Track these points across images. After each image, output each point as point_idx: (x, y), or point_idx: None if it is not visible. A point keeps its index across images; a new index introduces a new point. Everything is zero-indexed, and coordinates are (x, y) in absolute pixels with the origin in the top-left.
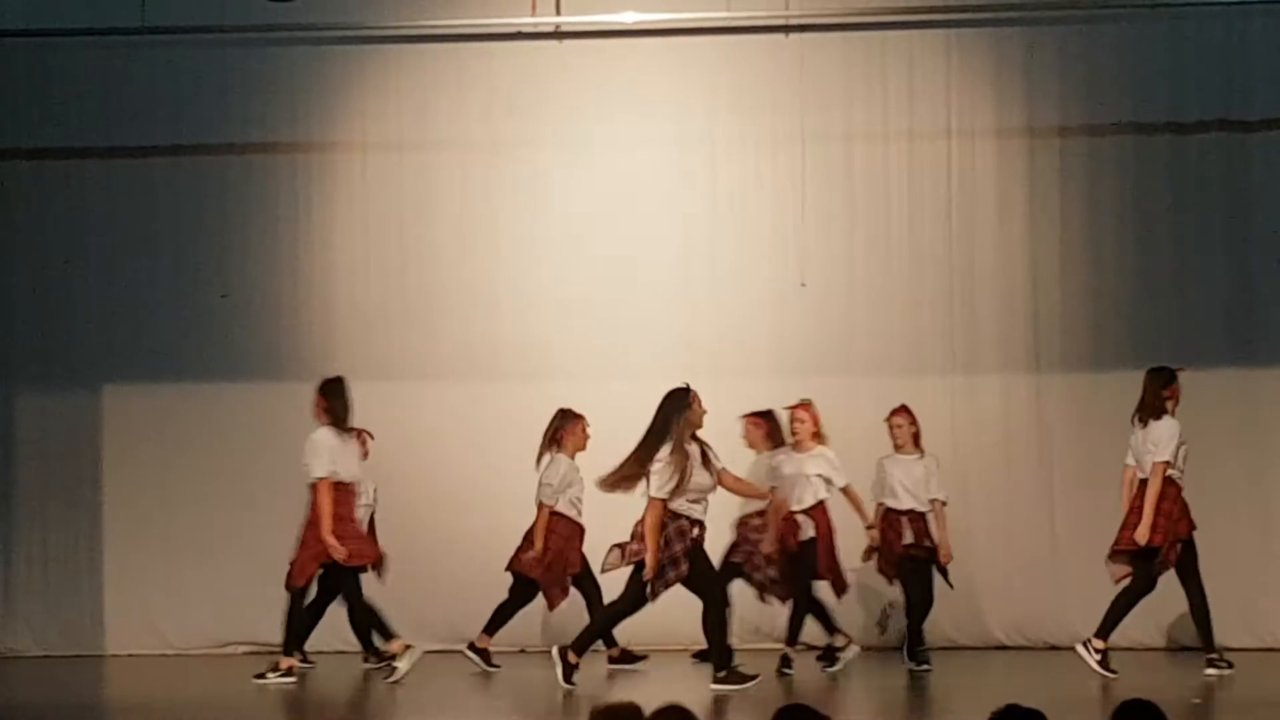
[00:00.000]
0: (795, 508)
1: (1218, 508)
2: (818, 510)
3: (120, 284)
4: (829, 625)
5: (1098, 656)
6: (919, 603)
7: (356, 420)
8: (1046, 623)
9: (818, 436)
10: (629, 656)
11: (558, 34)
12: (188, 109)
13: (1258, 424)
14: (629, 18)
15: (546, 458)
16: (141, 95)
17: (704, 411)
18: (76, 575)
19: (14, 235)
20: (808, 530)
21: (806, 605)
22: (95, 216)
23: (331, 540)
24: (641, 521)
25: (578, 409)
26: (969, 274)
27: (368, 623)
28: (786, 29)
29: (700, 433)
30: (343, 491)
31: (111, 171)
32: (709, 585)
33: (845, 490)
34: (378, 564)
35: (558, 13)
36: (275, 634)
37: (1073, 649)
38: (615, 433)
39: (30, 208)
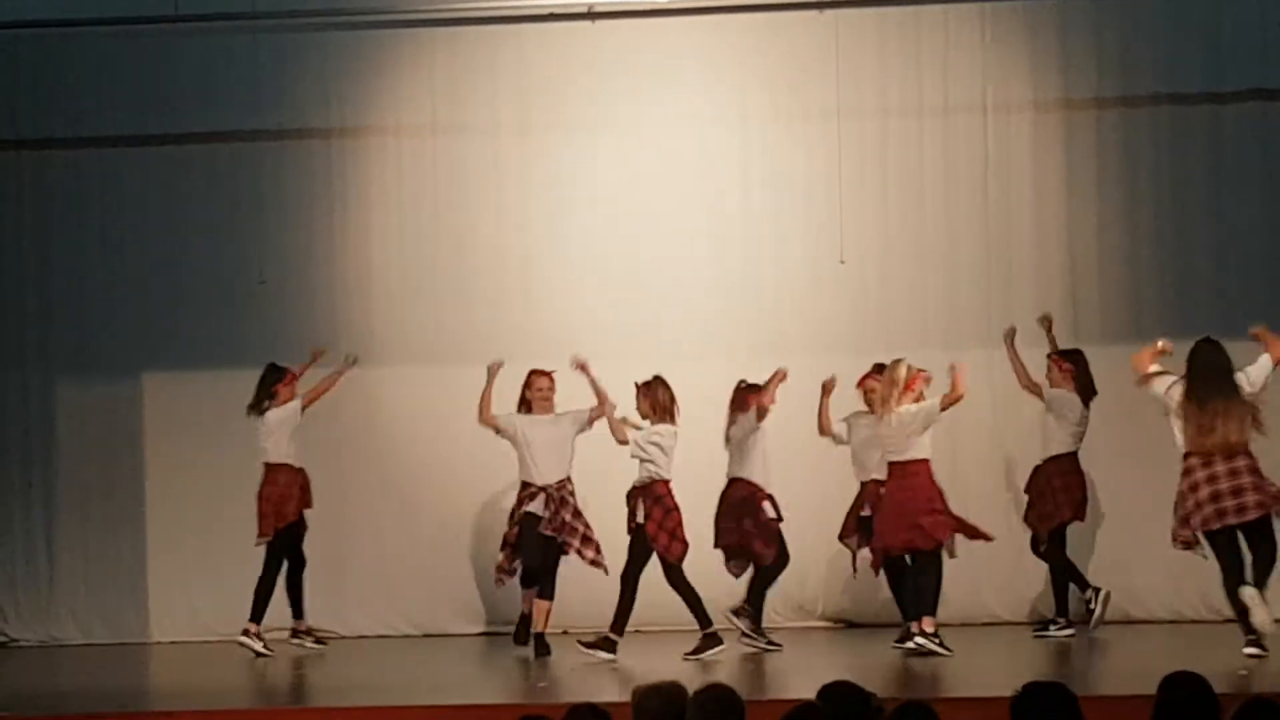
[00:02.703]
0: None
1: None
2: None
3: (157, 272)
4: None
5: None
6: None
7: (396, 405)
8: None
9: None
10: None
11: (590, 14)
12: (221, 96)
13: None
14: None
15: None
16: (175, 83)
17: None
18: (119, 564)
19: (51, 225)
20: None
21: None
22: (131, 205)
23: None
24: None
25: (615, 390)
26: (1006, 248)
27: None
28: (820, 5)
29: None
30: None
31: (147, 160)
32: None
33: None
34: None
35: None
36: (315, 618)
37: (1116, 622)
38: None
39: (66, 198)
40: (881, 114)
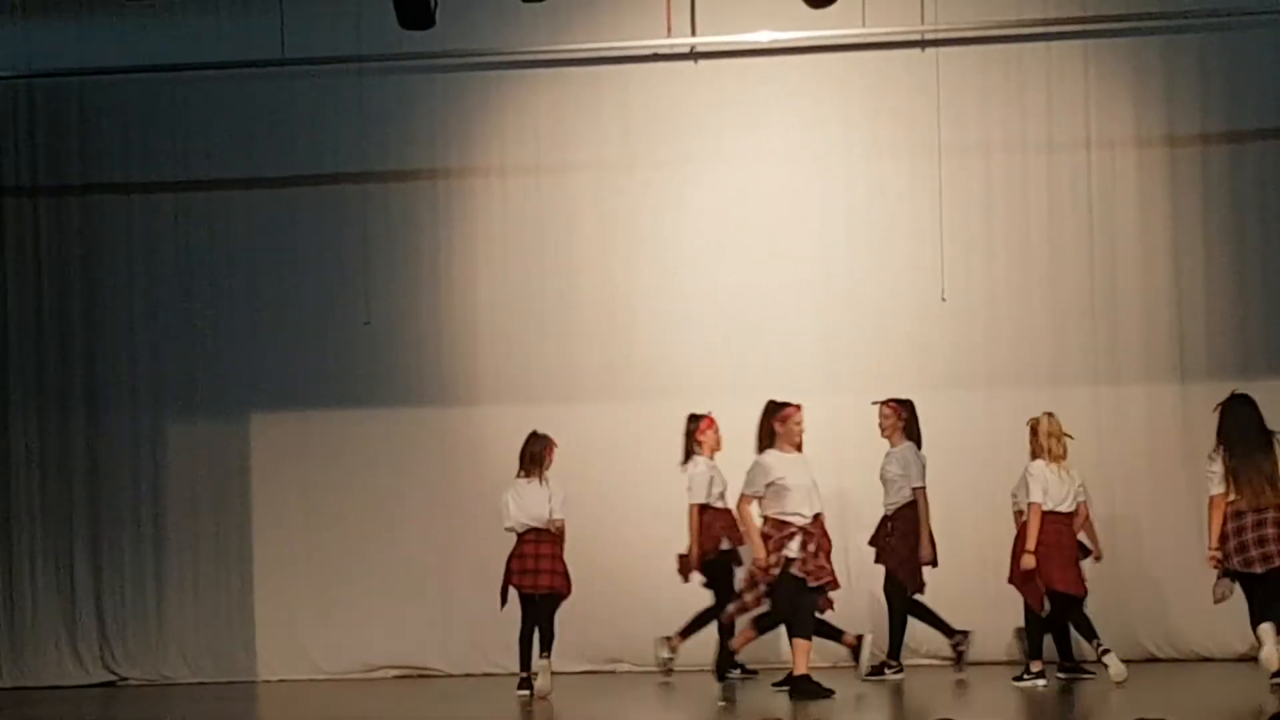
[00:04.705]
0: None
1: None
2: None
3: (265, 313)
4: None
5: None
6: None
7: (503, 444)
8: (1196, 634)
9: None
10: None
11: (693, 55)
12: (328, 138)
13: None
14: (764, 37)
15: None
16: (282, 126)
17: None
18: (227, 602)
19: (161, 268)
20: None
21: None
22: (240, 247)
23: None
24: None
25: (719, 424)
26: (1111, 284)
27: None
28: (923, 44)
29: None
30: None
31: (254, 202)
32: None
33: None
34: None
35: (693, 34)
36: (423, 657)
37: (1223, 660)
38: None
39: (176, 240)
40: (984, 150)
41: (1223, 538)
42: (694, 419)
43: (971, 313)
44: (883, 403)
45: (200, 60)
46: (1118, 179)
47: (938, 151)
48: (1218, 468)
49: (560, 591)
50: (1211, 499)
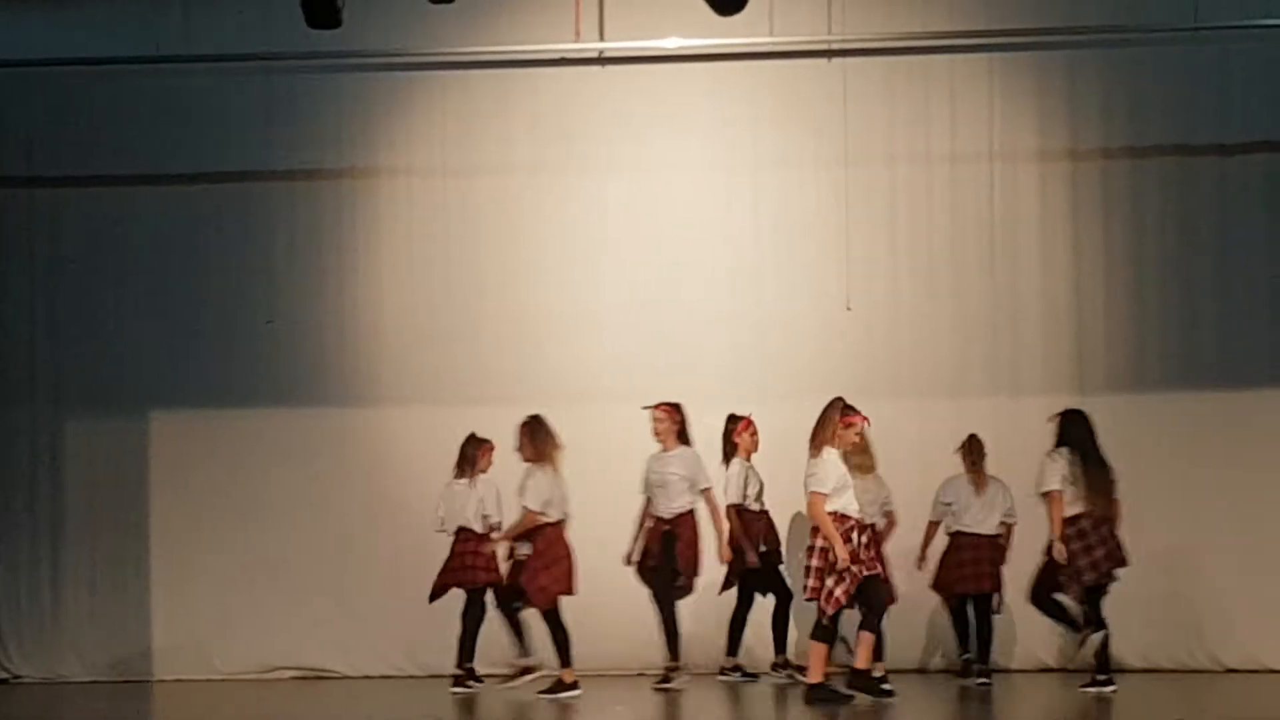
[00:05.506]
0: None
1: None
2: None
3: (167, 311)
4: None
5: None
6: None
7: (405, 445)
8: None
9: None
10: None
11: (601, 59)
12: (234, 136)
13: None
14: (672, 43)
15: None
16: (188, 123)
17: None
18: (124, 601)
19: (64, 263)
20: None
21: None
22: (142, 244)
23: None
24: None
25: (620, 433)
26: (1012, 296)
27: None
28: (829, 53)
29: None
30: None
31: (158, 199)
32: None
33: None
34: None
35: (601, 38)
36: (321, 658)
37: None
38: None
39: (79, 236)
40: (889, 161)
41: (1070, 554)
42: (732, 420)
43: (875, 322)
44: (656, 406)
45: (106, 55)
46: (1020, 192)
47: (844, 161)
48: (1062, 467)
49: (498, 584)
50: (1052, 494)
